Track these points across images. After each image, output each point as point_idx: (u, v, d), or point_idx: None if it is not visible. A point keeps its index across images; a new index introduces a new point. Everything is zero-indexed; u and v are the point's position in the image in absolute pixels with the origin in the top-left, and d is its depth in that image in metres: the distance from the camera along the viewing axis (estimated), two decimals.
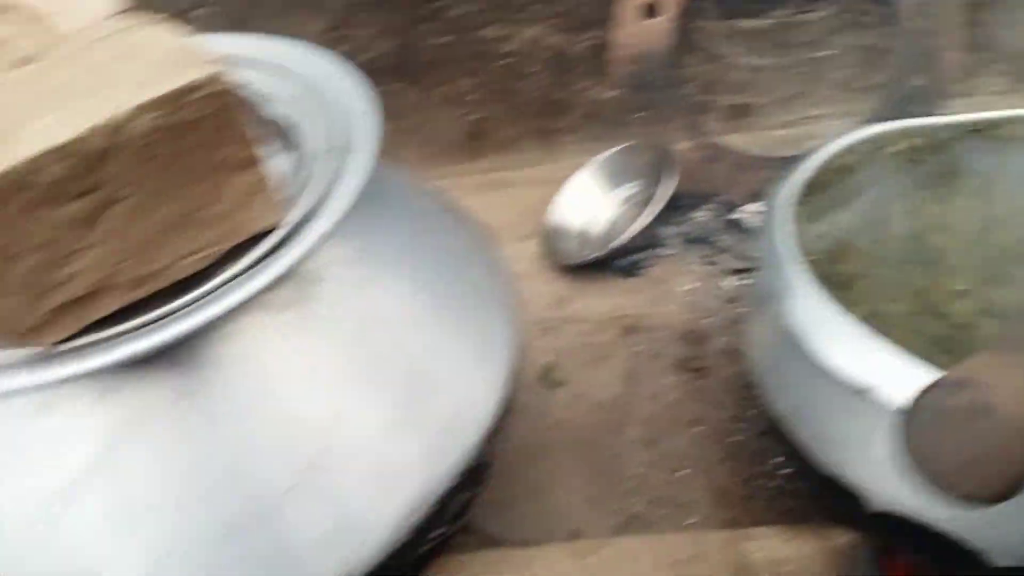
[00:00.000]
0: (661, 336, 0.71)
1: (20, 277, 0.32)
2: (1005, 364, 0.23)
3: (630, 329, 0.72)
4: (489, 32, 0.89)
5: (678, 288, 0.75)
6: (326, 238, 0.39)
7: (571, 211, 0.85)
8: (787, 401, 0.50)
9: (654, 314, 0.73)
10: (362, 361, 0.42)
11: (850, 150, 0.59)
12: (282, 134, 0.47)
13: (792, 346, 0.46)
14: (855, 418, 0.43)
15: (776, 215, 0.52)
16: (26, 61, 0.35)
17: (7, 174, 0.30)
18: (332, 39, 0.89)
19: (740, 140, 0.92)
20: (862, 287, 0.60)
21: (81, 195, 0.31)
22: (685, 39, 0.88)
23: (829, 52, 0.89)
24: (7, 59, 0.36)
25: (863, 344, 0.43)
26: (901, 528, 0.43)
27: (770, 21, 0.88)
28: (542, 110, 0.93)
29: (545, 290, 0.78)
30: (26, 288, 0.33)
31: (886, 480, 0.44)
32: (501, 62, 0.90)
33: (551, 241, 0.82)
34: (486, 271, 0.52)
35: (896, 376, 0.40)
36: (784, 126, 0.92)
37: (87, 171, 0.31)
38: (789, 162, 0.59)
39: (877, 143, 0.60)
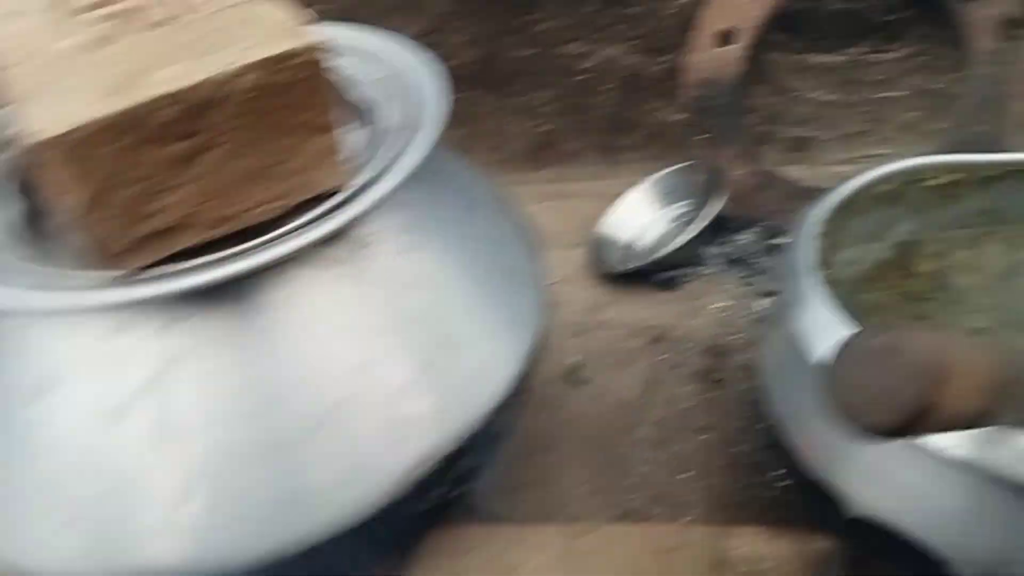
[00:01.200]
0: (686, 348, 0.74)
1: (121, 204, 0.39)
2: (915, 328, 0.27)
3: (658, 339, 0.76)
4: (571, 48, 0.94)
5: (711, 305, 0.79)
6: (378, 205, 0.44)
7: (621, 223, 0.89)
8: (786, 407, 0.53)
9: (683, 327, 0.76)
10: (395, 320, 0.47)
11: (888, 179, 0.62)
12: (363, 113, 0.54)
13: (797, 352, 0.48)
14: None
15: (802, 231, 0.56)
16: (158, 25, 0.43)
17: (126, 112, 0.37)
18: (425, 44, 0.95)
19: (798, 172, 0.94)
20: (884, 318, 0.62)
21: (183, 138, 0.38)
22: (756, 69, 0.91)
23: (898, 93, 0.91)
24: (143, 23, 0.43)
25: None
26: (875, 535, 0.45)
27: (842, 58, 0.90)
28: (609, 127, 0.98)
29: (584, 295, 0.83)
30: (124, 214, 0.40)
31: (864, 486, 0.46)
32: (577, 78, 0.96)
33: (597, 250, 0.87)
34: (523, 258, 0.57)
35: None
36: (843, 163, 0.94)
37: (192, 118, 0.38)
38: None
39: (916, 175, 0.62)
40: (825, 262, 0.63)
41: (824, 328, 0.48)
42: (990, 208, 0.62)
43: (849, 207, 0.61)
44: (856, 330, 0.26)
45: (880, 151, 0.94)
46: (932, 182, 0.61)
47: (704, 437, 0.66)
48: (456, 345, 0.49)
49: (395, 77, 0.53)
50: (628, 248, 0.88)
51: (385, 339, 0.46)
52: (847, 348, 0.25)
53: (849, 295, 0.64)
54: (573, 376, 0.73)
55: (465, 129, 1.01)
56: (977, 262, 0.61)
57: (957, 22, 0.81)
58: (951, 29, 0.82)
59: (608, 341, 0.77)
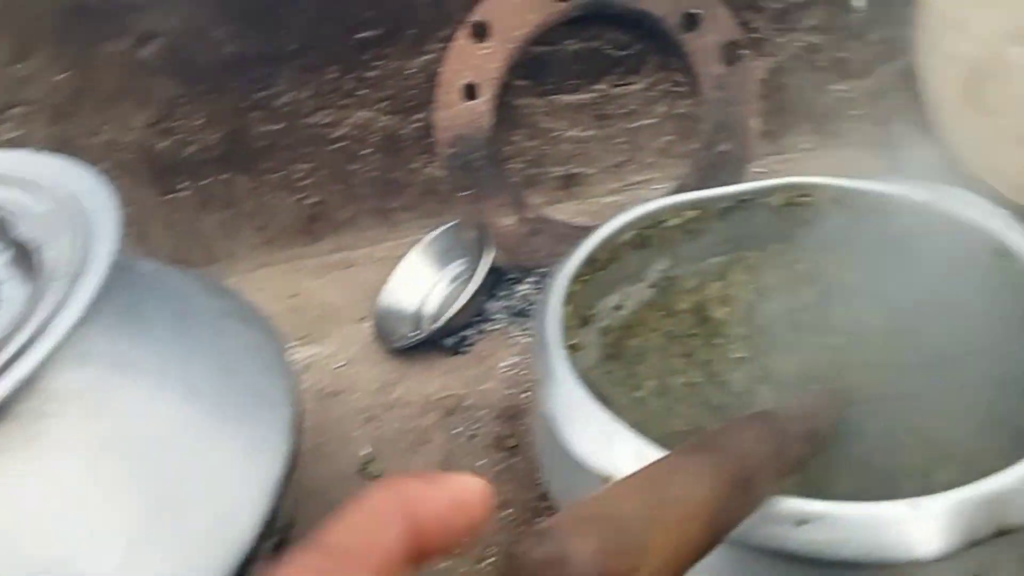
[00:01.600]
0: (480, 415, 0.71)
1: None
2: (591, 511, 0.24)
3: (451, 410, 0.72)
4: (319, 118, 0.90)
5: (500, 364, 0.76)
6: (39, 372, 0.38)
7: (403, 291, 0.85)
8: (554, 486, 0.51)
9: (475, 393, 0.73)
10: (95, 496, 0.40)
11: (631, 226, 0.62)
12: (26, 256, 0.46)
13: (551, 433, 0.46)
14: None
15: (546, 300, 0.54)
16: None
17: None
18: (159, 131, 0.89)
19: (572, 209, 0.95)
20: (652, 360, 0.62)
21: None
22: (509, 117, 0.91)
23: (648, 121, 0.93)
24: None
25: (609, 433, 0.44)
26: None
27: (590, 95, 0.92)
28: (378, 190, 0.94)
29: (373, 374, 0.78)
30: None
31: None
32: (333, 146, 0.91)
33: (383, 323, 0.83)
34: (263, 369, 0.52)
35: (638, 466, 0.41)
36: (611, 193, 0.96)
37: None
38: None
39: (656, 217, 0.63)
40: (587, 316, 0.62)
41: (570, 409, 0.46)
42: (730, 238, 0.64)
43: (599, 258, 0.60)
44: (524, 538, 0.22)
45: (643, 177, 0.96)
46: (673, 221, 0.62)
47: (505, 513, 0.63)
48: (180, 504, 0.42)
49: (62, 208, 0.46)
50: (412, 316, 0.84)
51: (86, 520, 0.39)
52: (511, 561, 0.22)
53: (617, 342, 0.64)
54: (366, 471, 0.68)
55: (226, 213, 0.94)
56: (728, 293, 0.63)
57: (684, 51, 0.84)
58: (681, 57, 0.86)
59: (401, 422, 0.73)
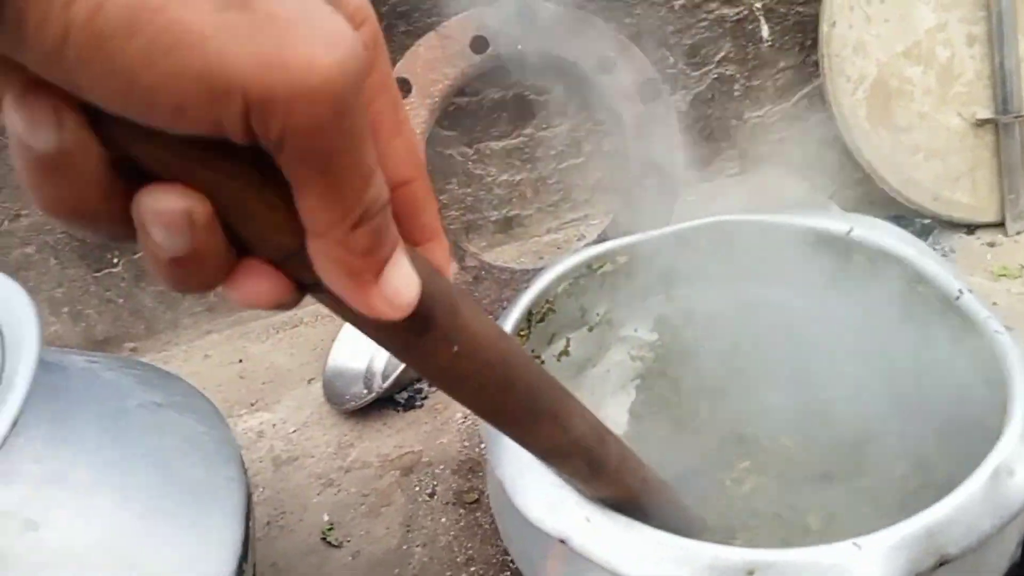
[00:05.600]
0: (438, 472, 0.71)
1: None
2: None
3: (408, 469, 0.72)
4: None
5: (455, 415, 0.77)
6: None
7: (350, 350, 0.85)
8: (514, 547, 0.51)
9: (432, 448, 0.74)
10: None
11: (565, 276, 0.62)
12: None
13: (504, 496, 0.47)
14: (558, 563, 0.45)
15: None
16: None
17: None
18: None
19: (514, 251, 0.96)
20: None
21: None
22: (441, 167, 0.92)
23: (576, 161, 0.95)
24: None
25: (559, 497, 0.44)
26: None
27: (517, 140, 0.93)
28: None
29: (327, 439, 0.78)
30: None
31: None
32: None
33: (332, 386, 0.82)
34: (205, 464, 0.51)
35: (589, 527, 0.42)
36: (549, 232, 0.97)
37: None
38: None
39: (590, 264, 0.63)
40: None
41: (521, 472, 0.46)
42: (662, 278, 0.65)
43: (537, 311, 0.61)
44: None
45: (578, 214, 0.98)
46: (607, 268, 0.63)
47: (471, 570, 0.63)
48: None
49: None
50: (362, 374, 0.84)
51: None
52: None
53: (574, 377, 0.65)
54: (328, 539, 0.68)
55: (156, 287, 0.93)
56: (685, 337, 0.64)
57: (603, 92, 0.86)
58: (601, 98, 0.88)
59: (359, 485, 0.72)
